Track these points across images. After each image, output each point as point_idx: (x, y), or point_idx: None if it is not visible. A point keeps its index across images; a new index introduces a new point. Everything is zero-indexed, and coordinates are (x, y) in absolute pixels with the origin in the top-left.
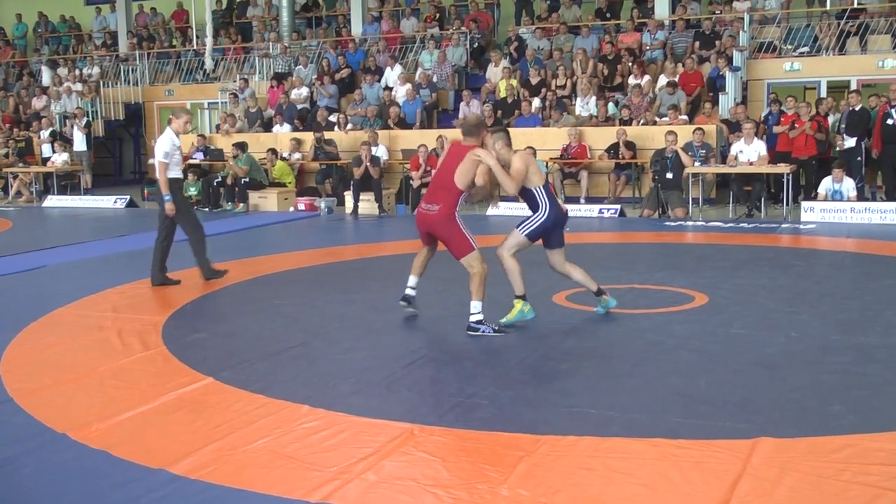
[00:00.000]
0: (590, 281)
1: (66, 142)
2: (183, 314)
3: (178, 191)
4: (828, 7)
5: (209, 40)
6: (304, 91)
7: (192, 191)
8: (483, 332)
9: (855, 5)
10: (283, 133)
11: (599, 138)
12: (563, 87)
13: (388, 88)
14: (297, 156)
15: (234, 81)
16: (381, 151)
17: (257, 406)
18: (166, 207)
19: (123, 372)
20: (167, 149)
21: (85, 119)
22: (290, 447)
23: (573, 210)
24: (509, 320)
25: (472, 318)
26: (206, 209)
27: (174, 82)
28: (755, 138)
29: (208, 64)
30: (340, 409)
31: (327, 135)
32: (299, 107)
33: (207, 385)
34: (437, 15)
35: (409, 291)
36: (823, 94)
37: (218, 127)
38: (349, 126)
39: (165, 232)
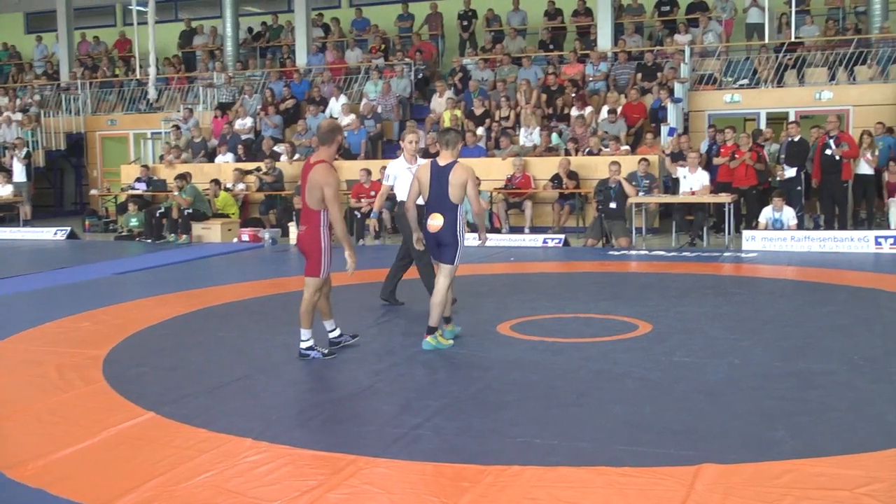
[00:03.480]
0: (433, 312)
1: (4, 172)
2: (124, 348)
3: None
4: (766, 41)
5: (152, 70)
6: (249, 121)
7: (134, 222)
8: (313, 356)
9: (792, 39)
10: (226, 163)
11: (543, 168)
12: (507, 117)
13: (332, 119)
14: (240, 186)
15: (178, 111)
16: None
17: (199, 440)
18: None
19: (62, 408)
20: (390, 171)
21: (25, 149)
22: (233, 482)
23: (517, 240)
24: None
25: (303, 346)
26: (149, 241)
27: (117, 112)
28: (699, 168)
29: (151, 93)
30: (284, 442)
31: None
32: (243, 137)
33: (148, 420)
34: (382, 46)
35: (331, 336)
36: (763, 125)
37: (161, 157)
38: (296, 156)
39: (404, 251)
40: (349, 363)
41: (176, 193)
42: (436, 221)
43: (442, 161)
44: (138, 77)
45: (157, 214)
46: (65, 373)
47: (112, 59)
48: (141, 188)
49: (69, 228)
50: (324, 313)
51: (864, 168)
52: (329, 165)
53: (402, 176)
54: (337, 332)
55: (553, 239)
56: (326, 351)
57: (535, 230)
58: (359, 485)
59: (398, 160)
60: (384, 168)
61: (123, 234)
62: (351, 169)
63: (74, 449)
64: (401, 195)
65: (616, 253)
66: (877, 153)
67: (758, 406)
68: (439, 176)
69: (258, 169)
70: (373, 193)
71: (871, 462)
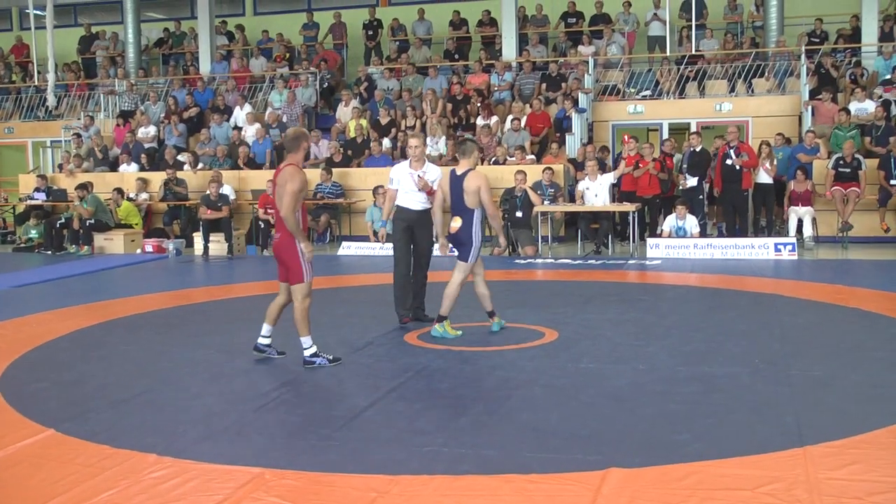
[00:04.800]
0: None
1: None
2: (23, 363)
3: (400, 219)
4: (668, 53)
5: (51, 76)
6: (152, 129)
7: (34, 233)
8: (319, 363)
9: (693, 52)
10: (129, 172)
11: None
12: (413, 127)
13: (237, 128)
14: (144, 196)
15: (79, 119)
16: (226, 191)
17: (102, 457)
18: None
19: None
20: (393, 175)
21: None
22: (137, 499)
23: None
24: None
25: (306, 353)
26: (49, 252)
27: (14, 119)
28: (599, 173)
29: (50, 100)
30: (189, 457)
31: (178, 174)
32: (146, 146)
33: (48, 437)
34: (287, 55)
35: (261, 341)
36: (665, 135)
37: (61, 167)
38: (199, 166)
39: (413, 265)
40: (255, 375)
41: (77, 203)
42: (455, 223)
43: (459, 169)
44: (36, 83)
45: (58, 225)
46: None
47: (8, 65)
48: (40, 198)
49: None
50: (269, 317)
51: (764, 177)
52: (296, 167)
53: (405, 179)
54: (268, 341)
55: None
56: (331, 357)
57: None
58: (265, 497)
59: (402, 164)
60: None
61: (22, 245)
62: (257, 178)
63: None
64: (401, 199)
65: (522, 261)
66: (775, 163)
67: (662, 410)
68: (456, 183)
69: (171, 181)
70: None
71: (771, 462)
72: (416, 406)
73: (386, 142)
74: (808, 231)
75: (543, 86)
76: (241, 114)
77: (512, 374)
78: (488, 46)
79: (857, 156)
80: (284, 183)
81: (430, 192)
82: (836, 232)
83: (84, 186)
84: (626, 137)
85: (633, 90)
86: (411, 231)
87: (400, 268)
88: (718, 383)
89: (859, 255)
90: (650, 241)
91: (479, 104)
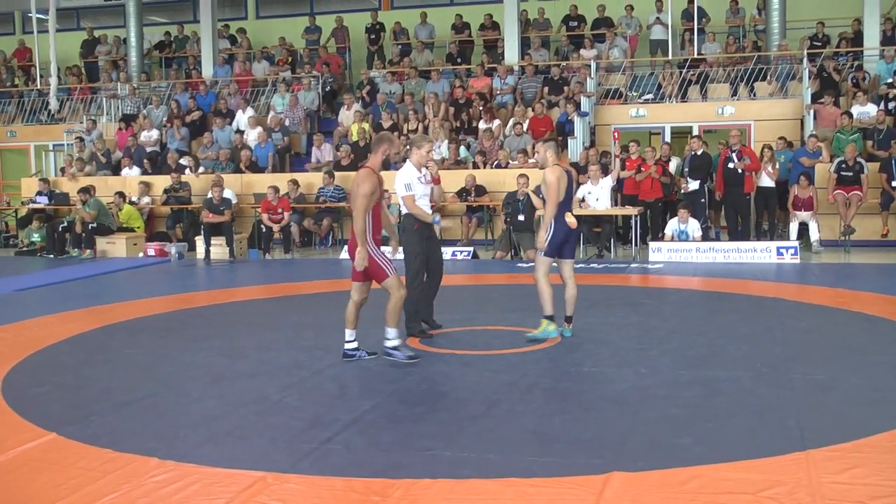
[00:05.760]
0: (571, 305)
1: None
2: (25, 366)
3: (419, 227)
4: (670, 57)
5: (53, 80)
6: (154, 133)
7: (36, 237)
8: (398, 357)
9: (695, 55)
10: (131, 176)
11: (451, 181)
12: (415, 130)
13: (239, 132)
14: (146, 199)
15: (81, 123)
16: (229, 194)
17: (104, 461)
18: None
19: None
20: (406, 181)
21: None
22: (139, 503)
23: None
24: (534, 335)
25: (387, 344)
26: (51, 256)
27: (17, 123)
28: (601, 177)
29: (53, 104)
30: (191, 461)
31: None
32: (149, 149)
33: (50, 441)
34: (290, 58)
35: (347, 346)
36: (668, 139)
37: (63, 170)
38: (201, 169)
39: (417, 267)
40: (258, 378)
41: (79, 207)
42: (573, 219)
43: (567, 166)
44: (39, 87)
45: (60, 229)
46: None
47: (11, 69)
48: (42, 202)
49: None
50: (349, 322)
51: (766, 181)
52: (369, 171)
53: (416, 185)
54: (354, 345)
55: (462, 251)
56: (369, 351)
57: (443, 243)
58: (268, 501)
59: (408, 169)
60: (291, 181)
61: (24, 249)
62: (259, 182)
63: None
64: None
65: (524, 265)
66: (777, 166)
67: (664, 413)
68: (571, 180)
69: (173, 188)
70: (280, 210)
71: (773, 466)
72: (418, 409)
73: None
74: (815, 235)
75: (545, 89)
76: (243, 117)
77: (514, 378)
78: (490, 50)
79: (859, 159)
80: (356, 186)
81: (438, 182)
82: (839, 236)
83: (86, 190)
84: (615, 134)
85: (635, 94)
86: (426, 241)
87: (420, 278)
88: (720, 387)
89: (861, 259)
90: (652, 244)
91: (481, 108)
